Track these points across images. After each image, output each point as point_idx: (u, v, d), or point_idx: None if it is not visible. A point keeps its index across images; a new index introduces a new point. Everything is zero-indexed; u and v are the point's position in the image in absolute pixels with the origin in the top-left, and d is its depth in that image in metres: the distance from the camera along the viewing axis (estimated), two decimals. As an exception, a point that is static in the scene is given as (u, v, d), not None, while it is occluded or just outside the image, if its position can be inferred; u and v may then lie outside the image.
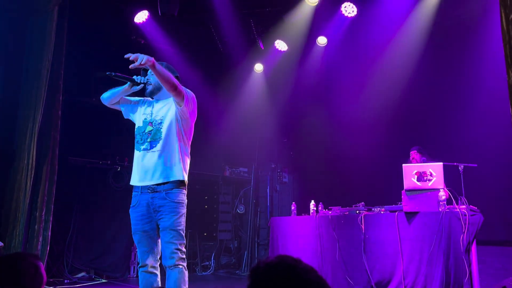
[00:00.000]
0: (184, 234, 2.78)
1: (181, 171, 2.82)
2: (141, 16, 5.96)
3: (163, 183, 2.78)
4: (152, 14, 5.94)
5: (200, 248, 6.98)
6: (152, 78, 2.92)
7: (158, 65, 2.70)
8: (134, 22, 6.00)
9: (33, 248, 4.75)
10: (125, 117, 3.12)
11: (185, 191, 2.86)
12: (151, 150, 2.83)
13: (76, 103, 5.85)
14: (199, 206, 7.17)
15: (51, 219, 5.00)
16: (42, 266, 1.79)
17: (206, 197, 7.45)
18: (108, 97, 3.02)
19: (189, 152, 2.94)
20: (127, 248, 6.18)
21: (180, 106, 2.81)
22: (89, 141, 6.03)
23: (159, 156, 2.80)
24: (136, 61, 2.65)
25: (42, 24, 4.94)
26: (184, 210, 2.82)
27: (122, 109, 3.09)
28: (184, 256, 2.75)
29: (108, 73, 2.76)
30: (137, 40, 6.31)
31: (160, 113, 2.89)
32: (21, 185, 4.72)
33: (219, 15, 6.24)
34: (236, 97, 7.47)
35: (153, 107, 2.95)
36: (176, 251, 2.70)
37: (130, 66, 2.69)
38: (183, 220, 2.80)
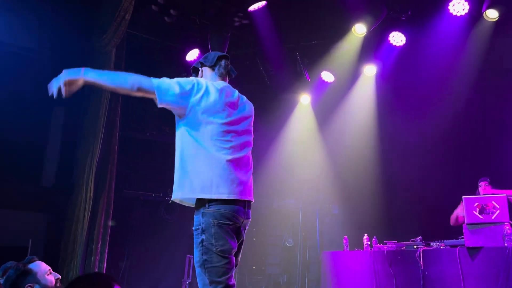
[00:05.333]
0: (214, 268, 2.25)
1: (190, 187, 2.33)
2: (193, 54, 6.20)
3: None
4: (203, 52, 6.16)
5: (248, 282, 6.89)
6: None
7: (88, 77, 2.28)
8: (185, 60, 6.25)
9: (89, 280, 4.87)
10: None
11: (206, 211, 2.30)
12: None
13: (131, 138, 6.09)
14: (247, 238, 7.11)
15: (106, 251, 5.15)
16: None
17: (254, 229, 7.40)
18: None
19: (214, 156, 2.33)
20: (179, 280, 6.20)
21: (163, 106, 2.38)
22: (142, 175, 6.23)
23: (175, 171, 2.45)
24: (52, 93, 2.26)
25: (100, 64, 5.26)
26: (203, 237, 2.27)
27: None
28: None
29: None
30: (188, 77, 6.55)
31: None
32: (79, 218, 4.93)
33: (266, 49, 6.39)
34: (283, 129, 7.50)
35: None
36: None
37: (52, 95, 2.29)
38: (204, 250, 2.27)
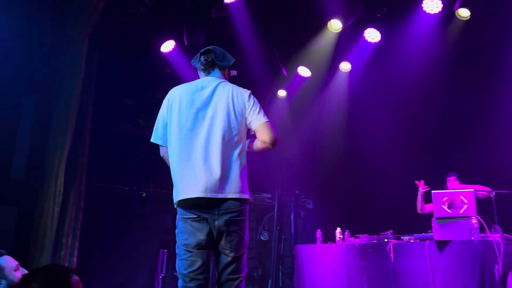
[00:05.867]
0: (180, 261, 2.43)
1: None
2: (168, 46, 6.12)
3: None
4: (178, 43, 6.09)
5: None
6: None
7: None
8: (160, 51, 6.16)
9: (59, 275, 4.78)
10: None
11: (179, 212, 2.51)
12: None
13: (104, 130, 5.98)
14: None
15: (77, 245, 5.05)
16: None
17: (229, 224, 7.39)
18: None
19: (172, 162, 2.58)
20: (151, 275, 6.15)
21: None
22: (115, 168, 6.13)
23: None
24: None
25: (73, 54, 5.14)
26: (176, 231, 2.49)
27: None
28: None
29: None
30: (163, 69, 6.47)
31: None
32: (49, 212, 4.81)
33: (243, 43, 6.36)
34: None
35: None
36: None
37: None
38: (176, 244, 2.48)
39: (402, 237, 4.58)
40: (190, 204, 2.42)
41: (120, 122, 5.98)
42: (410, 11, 5.71)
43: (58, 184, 4.85)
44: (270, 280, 7.11)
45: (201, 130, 2.50)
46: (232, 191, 2.42)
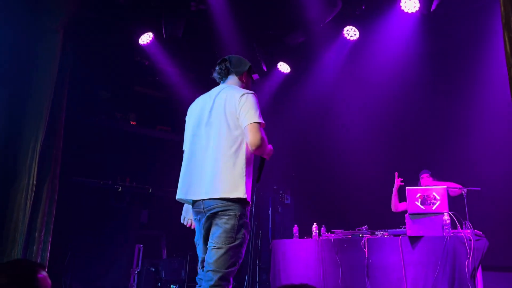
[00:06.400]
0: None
1: None
2: (146, 38, 6.03)
3: None
4: (157, 36, 6.01)
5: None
6: None
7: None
8: (138, 43, 6.07)
9: (31, 269, 4.68)
10: None
11: None
12: None
13: (79, 123, 5.87)
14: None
15: (50, 239, 4.95)
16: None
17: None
18: None
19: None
20: (127, 270, 6.09)
21: None
22: (91, 161, 6.03)
23: None
24: None
25: (47, 45, 5.00)
26: None
27: None
28: None
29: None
30: (141, 61, 6.38)
31: None
32: (21, 205, 4.69)
33: (222, 37, 6.32)
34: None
35: None
36: None
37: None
38: None
39: (376, 233, 4.64)
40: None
41: (96, 114, 5.87)
42: (388, 9, 5.77)
43: (31, 177, 4.73)
44: (246, 275, 7.13)
45: (202, 136, 2.67)
46: (217, 192, 2.51)
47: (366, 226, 4.83)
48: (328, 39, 6.41)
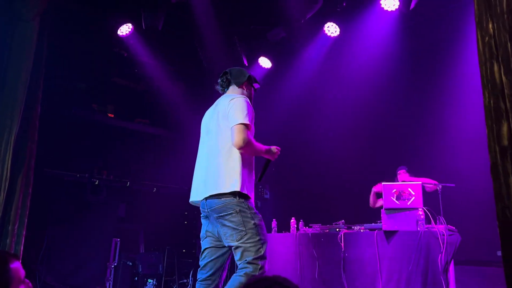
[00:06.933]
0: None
1: None
2: (125, 29, 5.94)
3: None
4: (136, 27, 5.92)
5: (178, 265, 6.85)
6: None
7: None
8: (117, 34, 5.97)
9: (4, 263, 4.58)
10: None
11: None
12: None
13: (55, 114, 5.75)
14: (178, 221, 7.07)
15: (24, 233, 4.85)
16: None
17: (186, 213, 7.35)
18: None
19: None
20: (103, 264, 6.02)
21: None
22: (67, 154, 5.92)
23: None
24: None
25: (22, 34, 4.87)
26: None
27: None
28: None
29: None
30: (119, 52, 6.28)
31: None
32: (-6, 198, 4.58)
33: (203, 30, 6.27)
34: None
35: None
36: None
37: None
38: None
39: (353, 227, 4.71)
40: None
41: (72, 106, 5.76)
42: (368, 7, 5.83)
43: (5, 169, 4.61)
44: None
45: (205, 143, 2.93)
46: (212, 188, 2.70)
47: (343, 220, 4.89)
48: (309, 35, 6.44)
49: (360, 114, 6.56)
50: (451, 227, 4.22)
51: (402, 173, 5.46)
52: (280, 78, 7.22)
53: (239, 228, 2.62)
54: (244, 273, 2.59)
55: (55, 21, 5.21)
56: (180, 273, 6.90)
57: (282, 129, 7.65)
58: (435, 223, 4.19)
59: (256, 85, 3.15)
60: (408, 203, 4.24)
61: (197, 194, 2.84)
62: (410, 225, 4.21)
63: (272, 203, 7.88)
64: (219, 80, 3.11)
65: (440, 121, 6.00)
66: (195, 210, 7.43)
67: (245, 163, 2.76)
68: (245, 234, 2.61)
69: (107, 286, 6.04)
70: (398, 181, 5.41)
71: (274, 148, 3.09)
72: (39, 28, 4.95)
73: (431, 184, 4.99)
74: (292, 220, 5.19)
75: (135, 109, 6.92)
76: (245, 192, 2.67)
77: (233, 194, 2.64)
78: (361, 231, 4.58)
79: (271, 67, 7.11)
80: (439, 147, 5.82)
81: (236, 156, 2.72)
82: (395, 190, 4.30)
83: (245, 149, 2.71)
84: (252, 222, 2.64)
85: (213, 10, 5.97)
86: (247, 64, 6.94)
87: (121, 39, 6.04)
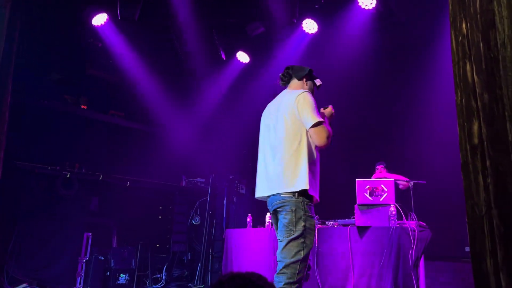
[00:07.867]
0: None
1: None
2: (100, 19, 5.80)
3: None
4: (112, 17, 5.79)
5: (151, 260, 6.77)
6: None
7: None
8: (92, 24, 5.83)
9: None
10: None
11: None
12: None
13: (26, 106, 5.58)
14: (152, 216, 7.00)
15: (-9, 226, 4.71)
16: None
17: (160, 207, 7.27)
18: None
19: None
20: (74, 258, 5.90)
21: None
22: (37, 146, 5.76)
23: None
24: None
25: (-8, 20, 4.69)
26: None
27: None
28: None
29: None
30: (94, 43, 6.13)
31: None
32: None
33: (181, 22, 6.19)
34: (195, 107, 7.40)
35: None
36: None
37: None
38: None
39: (326, 222, 4.76)
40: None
41: (44, 97, 5.59)
42: (346, 5, 5.87)
43: (-29, 161, 4.46)
44: (199, 264, 7.12)
45: (265, 138, 3.02)
46: (276, 188, 2.79)
47: (317, 216, 4.93)
48: (287, 31, 6.44)
49: (337, 110, 6.60)
50: (422, 223, 4.32)
51: (379, 169, 5.57)
52: (258, 73, 7.19)
53: (289, 227, 2.70)
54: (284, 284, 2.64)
55: (28, 8, 5.03)
56: (153, 268, 6.83)
57: (259, 124, 7.64)
58: (407, 219, 4.28)
59: (318, 81, 3.21)
60: (381, 199, 4.31)
61: (261, 190, 2.96)
62: (382, 221, 4.29)
63: (248, 198, 7.88)
64: (280, 75, 3.16)
65: (414, 118, 6.11)
66: (169, 204, 7.38)
67: (312, 163, 2.83)
68: (293, 233, 2.69)
69: (78, 281, 5.92)
70: (375, 177, 5.50)
71: (329, 111, 3.27)
72: (10, 15, 4.77)
73: (403, 181, 5.09)
74: (267, 215, 5.20)
75: (110, 101, 6.78)
76: (306, 189, 2.73)
77: (293, 193, 2.73)
78: (335, 226, 4.64)
79: (249, 61, 7.09)
80: (413, 145, 5.93)
81: (304, 156, 2.79)
82: (368, 186, 4.36)
83: (329, 141, 2.90)
84: (303, 224, 2.69)
85: (192, 1, 5.90)
86: (224, 58, 6.89)
87: (95, 29, 5.90)
